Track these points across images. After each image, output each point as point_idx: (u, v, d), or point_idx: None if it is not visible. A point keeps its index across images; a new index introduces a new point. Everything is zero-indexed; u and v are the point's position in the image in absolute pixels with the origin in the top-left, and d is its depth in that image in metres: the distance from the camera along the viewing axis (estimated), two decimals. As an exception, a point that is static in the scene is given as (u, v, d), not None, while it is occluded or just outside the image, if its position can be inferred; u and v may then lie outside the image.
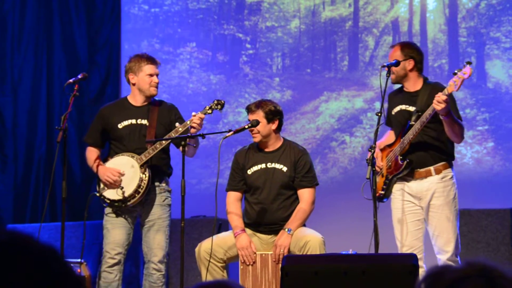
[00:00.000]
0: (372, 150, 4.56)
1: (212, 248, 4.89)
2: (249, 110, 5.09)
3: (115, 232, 5.05)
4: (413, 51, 4.86)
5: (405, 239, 4.80)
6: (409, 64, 4.82)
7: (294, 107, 7.61)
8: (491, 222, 6.61)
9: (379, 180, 4.87)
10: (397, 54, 4.83)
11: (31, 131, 7.48)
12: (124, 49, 7.78)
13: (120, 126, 5.11)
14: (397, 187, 4.87)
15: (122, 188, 4.97)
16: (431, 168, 4.78)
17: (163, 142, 4.98)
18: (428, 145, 4.78)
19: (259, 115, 5.02)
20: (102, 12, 7.84)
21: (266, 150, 5.13)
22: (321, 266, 3.85)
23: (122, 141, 5.10)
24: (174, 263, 6.64)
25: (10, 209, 7.30)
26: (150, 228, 5.07)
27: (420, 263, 4.54)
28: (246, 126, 4.98)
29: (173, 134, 4.94)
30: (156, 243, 5.05)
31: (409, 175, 4.81)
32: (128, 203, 5.01)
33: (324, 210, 6.28)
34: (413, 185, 4.82)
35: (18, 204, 7.36)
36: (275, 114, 5.06)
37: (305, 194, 5.04)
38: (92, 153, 5.16)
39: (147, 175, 4.99)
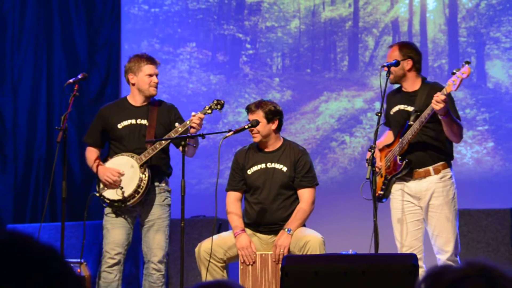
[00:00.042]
0: (372, 150, 4.56)
1: (212, 248, 4.89)
2: (249, 110, 5.09)
3: (115, 232, 5.05)
4: (411, 51, 4.86)
5: (404, 239, 4.80)
6: (408, 64, 4.81)
7: (294, 107, 7.61)
8: (491, 222, 6.61)
9: (378, 180, 4.87)
10: (395, 54, 4.83)
11: (31, 131, 7.48)
12: (124, 49, 7.78)
13: (119, 126, 5.11)
14: (396, 187, 4.87)
15: (122, 188, 4.97)
16: (430, 168, 4.78)
17: (163, 142, 4.97)
18: (427, 145, 4.78)
19: (259, 115, 5.02)
20: (102, 12, 7.84)
21: (266, 150, 5.14)
22: (321, 266, 3.85)
23: (122, 141, 5.10)
24: (174, 263, 6.64)
25: (10, 209, 7.30)
26: (149, 228, 5.07)
27: (420, 263, 4.54)
28: (246, 126, 4.98)
29: (172, 134, 4.94)
30: (155, 243, 5.05)
31: (408, 175, 4.81)
32: (128, 203, 5.01)
33: (324, 210, 6.28)
34: (412, 185, 4.82)
35: (18, 204, 7.36)
36: (275, 114, 5.06)
37: (305, 194, 5.04)
38: (91, 153, 5.16)
39: (146, 175, 4.99)
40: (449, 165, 4.83)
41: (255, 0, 7.80)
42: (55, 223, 6.76)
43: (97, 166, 5.06)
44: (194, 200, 6.65)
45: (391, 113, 4.93)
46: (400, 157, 4.78)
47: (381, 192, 4.85)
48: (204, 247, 4.94)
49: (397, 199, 4.87)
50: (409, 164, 4.77)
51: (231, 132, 4.85)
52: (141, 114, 5.12)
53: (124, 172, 5.00)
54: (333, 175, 7.45)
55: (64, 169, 4.93)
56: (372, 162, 4.52)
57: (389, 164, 4.85)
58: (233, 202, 5.14)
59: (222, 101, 5.01)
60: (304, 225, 5.05)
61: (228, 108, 7.57)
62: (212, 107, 4.98)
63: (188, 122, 4.90)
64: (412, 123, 4.71)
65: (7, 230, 1.32)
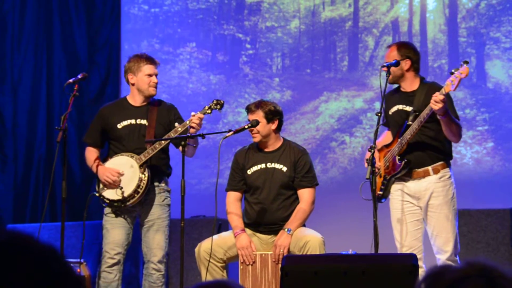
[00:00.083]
0: (372, 150, 4.56)
1: (212, 248, 4.89)
2: (249, 110, 5.09)
3: (115, 232, 5.05)
4: (409, 51, 4.86)
5: (404, 239, 4.80)
6: (406, 64, 4.81)
7: (294, 107, 7.61)
8: (491, 222, 6.61)
9: (377, 180, 4.87)
10: (394, 54, 4.83)
11: (31, 131, 7.48)
12: (124, 49, 7.78)
13: (119, 126, 5.11)
14: (395, 188, 4.87)
15: (122, 188, 4.97)
16: (429, 168, 4.78)
17: (163, 142, 4.97)
18: (426, 145, 4.77)
19: (259, 115, 5.02)
20: (102, 12, 7.84)
21: (266, 150, 5.14)
22: (321, 266, 3.85)
23: (122, 141, 5.10)
24: (174, 263, 6.64)
25: (10, 209, 7.30)
26: (149, 228, 5.07)
27: (420, 263, 4.54)
28: (246, 126, 4.98)
29: (172, 134, 4.94)
30: (155, 243, 5.05)
31: (407, 175, 4.81)
32: (128, 203, 5.01)
33: (324, 210, 6.28)
34: (411, 185, 4.82)
35: (18, 204, 7.36)
36: (274, 114, 5.06)
37: (305, 194, 5.04)
38: (91, 153, 5.16)
39: (146, 175, 4.99)
40: (448, 165, 4.82)
41: (255, 0, 7.80)
42: (55, 223, 6.76)
43: (97, 166, 5.06)
44: (194, 200, 6.65)
45: (390, 113, 4.92)
46: (399, 157, 4.78)
47: (380, 193, 4.85)
48: (204, 247, 4.94)
49: (397, 199, 4.86)
50: (408, 164, 4.77)
51: (231, 132, 4.85)
52: (141, 114, 5.12)
53: (124, 172, 5.00)
54: (333, 175, 7.45)
55: (64, 169, 4.93)
56: (372, 162, 4.52)
57: (388, 164, 4.85)
58: (233, 202, 5.14)
59: (222, 101, 5.01)
60: (304, 225, 5.05)
61: (228, 108, 7.57)
62: (212, 107, 4.97)
63: (187, 122, 4.90)
64: (410, 123, 4.71)
65: (7, 230, 1.32)
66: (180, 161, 4.70)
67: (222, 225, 6.36)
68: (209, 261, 4.90)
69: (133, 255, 6.88)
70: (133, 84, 5.14)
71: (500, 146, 7.15)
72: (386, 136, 5.08)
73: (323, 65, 7.65)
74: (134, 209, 5.08)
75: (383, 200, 4.90)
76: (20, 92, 7.46)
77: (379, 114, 4.60)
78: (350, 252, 5.15)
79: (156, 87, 5.14)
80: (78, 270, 5.41)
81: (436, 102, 4.43)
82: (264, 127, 5.03)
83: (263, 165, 5.10)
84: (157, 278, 5.05)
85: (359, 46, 7.60)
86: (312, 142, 7.52)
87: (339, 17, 7.63)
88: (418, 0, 7.44)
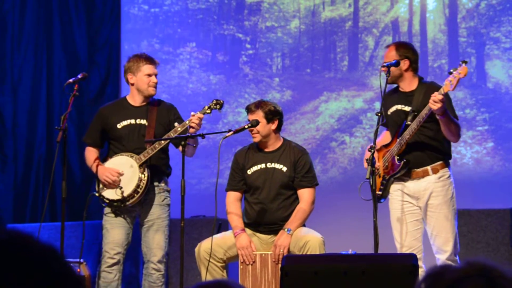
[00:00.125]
0: (372, 150, 4.56)
1: (212, 248, 4.89)
2: (248, 110, 5.09)
3: (114, 232, 5.05)
4: (408, 51, 4.86)
5: (404, 239, 4.80)
6: (404, 64, 4.81)
7: (294, 107, 7.61)
8: (491, 222, 6.61)
9: (376, 180, 4.87)
10: (392, 54, 4.83)
11: (31, 131, 7.48)
12: (124, 49, 7.78)
13: (119, 126, 5.11)
14: (394, 188, 4.86)
15: (121, 188, 4.97)
16: (428, 167, 4.78)
17: (162, 142, 4.97)
18: (425, 144, 4.77)
19: (259, 115, 5.02)
20: (102, 12, 7.84)
21: (266, 150, 5.14)
22: (320, 266, 3.85)
23: (121, 141, 5.10)
24: (174, 263, 6.64)
25: (10, 209, 7.30)
26: (149, 228, 5.07)
27: (419, 263, 4.54)
28: (246, 126, 4.98)
29: (172, 134, 4.94)
30: (155, 243, 5.04)
31: (406, 175, 4.81)
32: (127, 203, 5.01)
33: (324, 210, 6.28)
34: (411, 185, 4.81)
35: (18, 204, 7.36)
36: (274, 114, 5.06)
37: (305, 194, 5.04)
38: (91, 153, 5.16)
39: (146, 175, 4.99)
40: (447, 165, 4.82)
41: (255, 0, 7.80)
42: (55, 223, 6.76)
43: (97, 166, 5.06)
44: (194, 200, 6.65)
45: (388, 113, 4.92)
46: (398, 157, 4.78)
47: (379, 193, 4.84)
48: (204, 247, 4.94)
49: (396, 199, 4.86)
50: (407, 164, 4.76)
51: (231, 132, 4.85)
52: (141, 114, 5.12)
53: (124, 172, 5.00)
54: (333, 175, 7.45)
55: (64, 169, 4.93)
56: (372, 162, 4.52)
57: (387, 164, 4.85)
58: (233, 202, 5.14)
59: (221, 101, 5.00)
60: (304, 225, 5.05)
61: (228, 108, 7.57)
62: (212, 107, 4.97)
63: (187, 122, 4.90)
64: (409, 123, 4.71)
65: (7, 230, 1.32)
66: (180, 161, 4.70)
67: (222, 225, 6.36)
68: (209, 261, 4.90)
69: (133, 255, 6.88)
70: (132, 84, 5.14)
71: (500, 146, 7.15)
72: (384, 136, 5.07)
73: (323, 65, 7.65)
74: (134, 209, 5.08)
75: (382, 200, 4.90)
76: (20, 92, 7.46)
77: (379, 114, 4.60)
78: (350, 252, 5.14)
79: (155, 87, 5.14)
80: (78, 270, 5.41)
81: (435, 102, 4.43)
82: (264, 127, 5.03)
83: (263, 165, 5.10)
84: (157, 278, 5.05)
85: (359, 46, 7.60)
86: (312, 142, 7.52)
87: (339, 17, 7.63)
88: (418, 0, 7.44)
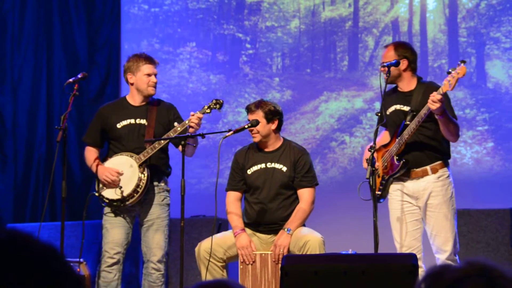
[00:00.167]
0: (372, 150, 4.56)
1: (212, 248, 4.89)
2: (248, 110, 5.09)
3: (114, 232, 5.05)
4: (406, 51, 4.86)
5: (403, 239, 4.80)
6: (403, 64, 4.81)
7: (294, 107, 7.61)
8: (490, 222, 6.61)
9: (376, 180, 4.86)
10: (391, 54, 4.83)
11: (31, 131, 7.48)
12: (124, 49, 7.78)
13: (119, 126, 5.11)
14: (394, 188, 4.86)
15: (121, 187, 4.97)
16: (428, 167, 4.78)
17: (162, 141, 4.97)
18: (424, 144, 4.77)
19: (259, 115, 5.02)
20: (102, 12, 7.84)
21: (266, 150, 5.14)
22: (320, 266, 3.85)
23: (121, 141, 5.10)
24: (174, 262, 6.64)
25: (10, 208, 7.30)
26: (149, 228, 5.07)
27: (419, 263, 4.54)
28: (246, 126, 4.98)
29: (171, 134, 4.94)
30: (155, 242, 5.05)
31: (406, 175, 4.80)
32: (127, 203, 5.01)
33: (323, 210, 6.28)
34: (410, 185, 4.81)
35: (18, 204, 7.36)
36: (274, 114, 5.06)
37: (304, 194, 5.04)
38: (91, 153, 5.16)
39: (145, 174, 4.99)
40: (446, 164, 4.82)
41: (255, 0, 7.80)
42: (55, 223, 6.76)
43: (96, 165, 5.06)
44: (194, 200, 6.65)
45: (387, 113, 4.92)
46: (397, 157, 4.78)
47: (379, 193, 4.84)
48: (204, 246, 4.94)
49: (395, 199, 4.86)
50: (406, 164, 4.76)
51: (231, 132, 4.85)
52: (140, 113, 5.12)
53: (123, 171, 5.00)
54: (333, 175, 7.45)
55: (64, 168, 4.93)
56: (372, 162, 4.52)
57: (386, 164, 4.85)
58: (233, 202, 5.14)
59: (221, 101, 5.00)
60: (304, 225, 5.05)
61: (228, 108, 7.58)
62: (211, 106, 4.97)
63: (187, 122, 4.90)
64: (408, 123, 4.71)
65: (7, 229, 1.32)
66: (180, 161, 4.70)
67: (222, 225, 6.36)
68: (209, 261, 4.90)
69: (133, 255, 6.88)
70: (132, 84, 5.14)
71: (500, 146, 7.15)
72: (383, 136, 5.07)
73: (323, 65, 7.65)
74: (134, 209, 5.08)
75: (381, 200, 4.90)
76: (20, 92, 7.46)
77: (379, 114, 4.60)
78: (350, 252, 5.14)
79: (155, 87, 5.14)
80: (78, 269, 5.41)
81: (433, 102, 4.43)
82: (264, 127, 5.03)
83: (263, 165, 5.10)
84: (156, 277, 5.05)
85: (359, 46, 7.60)
86: (312, 142, 7.52)
87: (339, 17, 7.63)
88: (418, 0, 7.44)
